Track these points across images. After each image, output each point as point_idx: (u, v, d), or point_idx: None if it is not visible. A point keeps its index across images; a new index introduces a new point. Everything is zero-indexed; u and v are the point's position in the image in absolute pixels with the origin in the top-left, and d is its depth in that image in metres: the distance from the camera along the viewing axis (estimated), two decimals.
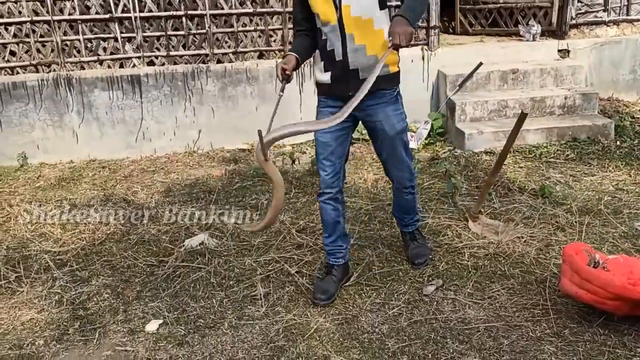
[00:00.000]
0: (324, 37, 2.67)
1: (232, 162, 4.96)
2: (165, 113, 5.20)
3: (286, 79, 2.67)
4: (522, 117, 3.13)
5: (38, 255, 3.51)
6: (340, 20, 2.59)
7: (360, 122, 2.87)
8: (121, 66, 5.18)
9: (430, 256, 3.20)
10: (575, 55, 5.38)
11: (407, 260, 3.20)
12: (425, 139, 5.03)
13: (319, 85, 2.81)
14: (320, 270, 3.15)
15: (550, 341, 2.50)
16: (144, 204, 4.18)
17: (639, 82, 5.41)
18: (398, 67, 2.75)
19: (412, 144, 4.95)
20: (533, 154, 4.52)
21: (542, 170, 4.26)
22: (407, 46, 2.47)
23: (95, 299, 3.07)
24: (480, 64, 5.04)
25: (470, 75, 5.07)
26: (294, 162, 4.77)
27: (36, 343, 2.75)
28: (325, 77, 2.72)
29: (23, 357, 2.67)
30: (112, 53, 5.16)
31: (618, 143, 4.63)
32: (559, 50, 5.44)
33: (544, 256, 3.15)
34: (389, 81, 2.72)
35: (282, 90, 2.66)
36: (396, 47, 2.47)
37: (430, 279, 3.05)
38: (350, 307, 2.87)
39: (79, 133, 5.14)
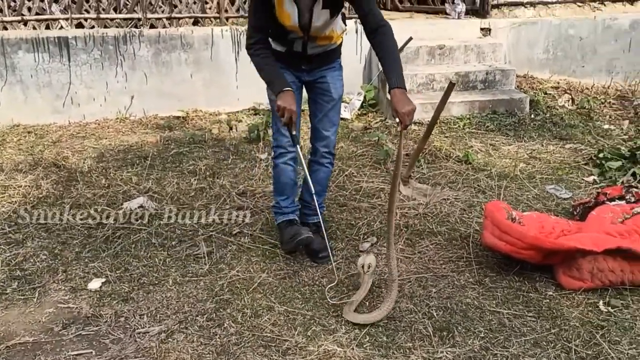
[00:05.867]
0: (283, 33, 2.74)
1: (166, 129, 4.93)
2: (95, 78, 5.08)
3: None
4: (450, 87, 3.36)
5: None
6: (306, 33, 2.71)
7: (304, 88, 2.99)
8: (47, 28, 4.99)
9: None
10: (496, 34, 5.73)
11: (309, 257, 3.02)
12: (358, 109, 5.23)
13: (273, 50, 2.84)
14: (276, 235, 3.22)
15: (473, 288, 2.77)
16: (76, 168, 4.11)
17: (552, 61, 5.84)
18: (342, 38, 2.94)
19: (346, 114, 5.12)
20: (457, 125, 4.83)
21: (465, 139, 4.57)
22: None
23: (32, 260, 3.04)
24: (410, 39, 5.27)
25: (401, 49, 5.27)
26: (231, 129, 4.82)
27: None
28: (280, 48, 2.81)
29: None
30: (37, 13, 4.95)
31: (532, 116, 5.03)
32: (481, 29, 5.78)
33: (467, 215, 3.44)
34: (337, 52, 2.94)
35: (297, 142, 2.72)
36: (406, 127, 2.56)
37: (366, 237, 3.25)
38: (292, 264, 3.02)
39: (1, 96, 4.92)
